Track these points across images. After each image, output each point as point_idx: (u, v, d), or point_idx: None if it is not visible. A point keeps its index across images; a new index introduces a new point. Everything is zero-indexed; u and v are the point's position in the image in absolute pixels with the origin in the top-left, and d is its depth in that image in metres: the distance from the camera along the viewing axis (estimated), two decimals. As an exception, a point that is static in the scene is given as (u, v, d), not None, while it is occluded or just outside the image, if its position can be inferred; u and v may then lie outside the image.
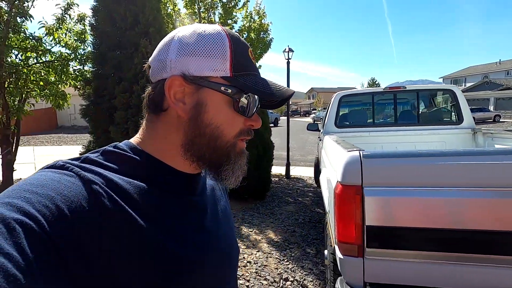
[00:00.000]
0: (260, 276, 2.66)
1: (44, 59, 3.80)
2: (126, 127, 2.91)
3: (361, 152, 1.34)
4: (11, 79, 3.52)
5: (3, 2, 3.31)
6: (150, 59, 0.50)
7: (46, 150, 10.82)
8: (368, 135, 3.61)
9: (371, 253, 1.30)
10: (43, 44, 3.69)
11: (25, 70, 3.59)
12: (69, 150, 10.84)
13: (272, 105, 0.55)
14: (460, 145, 3.42)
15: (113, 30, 3.32)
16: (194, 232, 0.47)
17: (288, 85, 6.68)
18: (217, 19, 6.34)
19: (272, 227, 3.74)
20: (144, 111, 0.50)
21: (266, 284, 2.54)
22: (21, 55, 3.65)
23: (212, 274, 0.48)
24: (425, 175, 1.29)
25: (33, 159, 6.96)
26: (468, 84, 36.43)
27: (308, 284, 2.54)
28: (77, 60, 3.94)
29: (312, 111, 49.42)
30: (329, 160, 2.08)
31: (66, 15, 3.72)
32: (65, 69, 3.84)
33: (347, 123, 3.93)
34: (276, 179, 6.28)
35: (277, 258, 2.98)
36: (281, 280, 2.59)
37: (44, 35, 3.66)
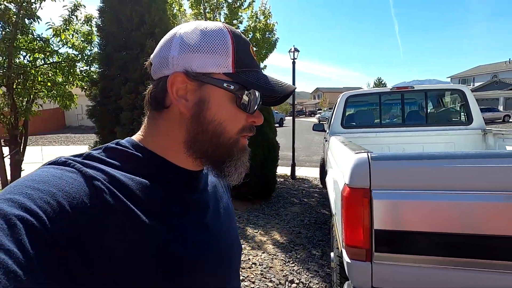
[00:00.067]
0: (265, 278, 2.64)
1: (51, 60, 3.83)
2: (131, 127, 2.92)
3: (369, 154, 1.31)
4: (19, 80, 3.55)
5: (12, 3, 3.35)
6: (151, 56, 0.49)
7: (54, 150, 10.96)
8: (375, 136, 3.57)
9: (380, 258, 1.27)
10: (51, 45, 3.72)
11: (33, 71, 3.63)
12: (77, 150, 10.97)
13: (273, 101, 0.55)
14: (469, 146, 3.35)
15: (119, 31, 3.34)
16: (195, 230, 0.47)
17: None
18: (222, 20, 6.34)
19: (277, 228, 3.72)
20: (146, 108, 0.49)
21: (272, 286, 2.52)
22: (29, 56, 3.68)
23: (213, 273, 0.48)
24: (435, 178, 1.26)
25: (41, 158, 7.05)
26: (476, 84, 35.89)
27: (313, 286, 2.52)
28: (84, 61, 3.97)
29: (318, 111, 49.25)
30: (335, 162, 2.05)
31: (73, 16, 3.74)
32: (72, 70, 3.87)
33: (354, 123, 3.89)
34: (282, 179, 6.26)
35: (282, 259, 2.96)
36: (287, 282, 2.57)
37: (51, 36, 3.69)
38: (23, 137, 3.84)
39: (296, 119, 7.15)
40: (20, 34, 3.47)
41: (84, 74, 4.07)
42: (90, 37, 3.94)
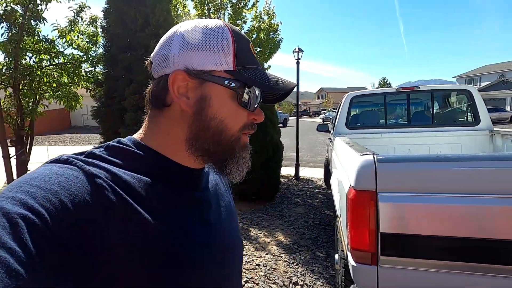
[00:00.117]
0: (269, 279, 2.63)
1: (57, 61, 3.87)
2: (136, 128, 2.90)
3: (375, 156, 1.29)
4: (25, 81, 3.59)
5: (18, 5, 3.38)
6: (151, 54, 0.49)
7: (59, 150, 11.06)
8: (380, 136, 3.53)
9: (386, 261, 1.25)
10: (56, 46, 3.76)
11: (39, 72, 3.67)
12: (82, 149, 11.02)
13: (274, 99, 0.55)
14: (477, 147, 3.30)
15: (124, 32, 3.35)
16: (197, 228, 0.47)
17: (297, 86, 6.62)
18: (226, 20, 6.34)
19: (281, 229, 3.70)
20: (146, 107, 0.49)
21: (275, 288, 2.51)
22: (35, 57, 3.72)
23: (215, 270, 0.48)
24: (443, 180, 1.24)
25: (47, 158, 7.06)
26: (483, 84, 35.44)
27: (318, 288, 2.50)
28: (89, 62, 4.00)
29: (322, 111, 49.09)
30: (340, 163, 2.03)
31: (78, 17, 3.77)
32: (77, 71, 3.90)
33: (358, 124, 3.86)
34: (285, 180, 6.24)
35: (286, 261, 2.94)
36: (291, 284, 2.56)
37: (57, 37, 3.73)
38: (29, 138, 3.87)
39: (300, 119, 7.11)
40: (26, 35, 3.50)
41: (89, 75, 4.10)
42: (95, 38, 3.97)
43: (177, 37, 0.46)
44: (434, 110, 3.83)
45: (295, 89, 0.67)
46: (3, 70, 3.58)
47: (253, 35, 6.47)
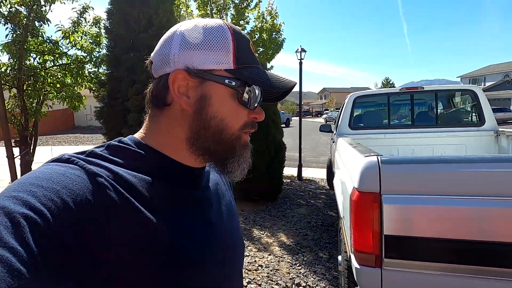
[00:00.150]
0: (271, 280, 2.62)
1: (60, 62, 3.88)
2: (138, 129, 2.91)
3: (379, 157, 1.28)
4: (29, 82, 3.61)
5: (22, 6, 3.40)
6: (152, 54, 0.50)
7: (63, 150, 11.13)
8: (383, 137, 3.51)
9: (390, 264, 1.24)
10: (60, 47, 3.77)
11: (43, 73, 3.68)
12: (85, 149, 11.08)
13: (274, 97, 0.55)
14: (481, 148, 3.27)
15: (127, 32, 3.36)
16: (198, 226, 0.47)
17: (300, 86, 6.61)
18: (229, 20, 6.34)
19: (284, 230, 3.70)
20: (147, 106, 0.50)
21: (278, 289, 2.50)
22: (39, 58, 3.74)
23: (216, 269, 0.48)
24: (447, 182, 1.22)
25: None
26: (487, 83, 35.15)
27: (321, 290, 2.49)
28: (92, 63, 4.01)
29: (324, 112, 48.98)
30: (343, 164, 2.02)
31: (81, 18, 3.78)
32: (80, 72, 3.92)
33: (362, 124, 3.84)
34: (288, 180, 6.22)
35: (289, 262, 2.93)
36: (293, 285, 2.55)
37: (60, 38, 3.74)
38: (33, 138, 3.89)
39: (302, 119, 7.09)
40: (30, 36, 3.52)
41: (92, 76, 4.11)
42: (98, 39, 3.98)
43: (177, 36, 0.46)
44: (438, 111, 3.80)
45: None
46: (8, 71, 3.60)
47: (255, 36, 6.47)
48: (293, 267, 2.85)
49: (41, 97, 3.82)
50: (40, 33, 3.61)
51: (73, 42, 3.79)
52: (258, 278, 2.64)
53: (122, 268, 0.36)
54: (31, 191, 0.33)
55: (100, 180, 0.38)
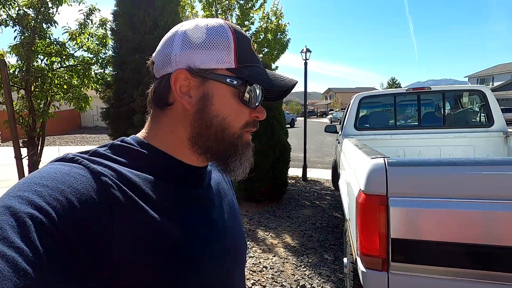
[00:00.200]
0: (276, 282, 2.61)
1: (67, 63, 3.92)
2: (144, 130, 2.93)
3: (386, 159, 1.26)
4: (37, 83, 3.65)
5: (30, 9, 3.45)
6: (153, 54, 0.50)
7: (70, 150, 11.24)
8: (390, 138, 3.47)
9: (397, 268, 1.22)
10: (67, 49, 3.81)
11: (50, 74, 3.73)
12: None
13: (275, 96, 0.55)
14: (490, 150, 3.22)
15: (133, 34, 3.38)
16: (200, 225, 0.47)
17: (305, 87, 6.58)
18: (234, 21, 6.35)
19: (289, 231, 3.68)
20: (149, 106, 0.50)
21: (283, 291, 2.49)
22: (46, 60, 3.78)
23: (219, 267, 0.48)
24: (456, 185, 1.20)
25: (57, 159, 7.21)
26: (496, 83, 34.60)
27: (326, 292, 2.46)
28: (99, 64, 4.05)
29: (330, 112, 48.75)
30: (349, 165, 2.00)
31: (88, 20, 3.82)
32: (87, 73, 3.96)
33: (367, 125, 3.80)
34: (293, 181, 6.20)
35: (294, 263, 2.92)
36: (298, 287, 2.53)
37: (67, 40, 3.78)
38: (41, 138, 3.94)
39: (307, 119, 7.06)
40: (38, 38, 3.56)
41: (98, 77, 4.15)
42: (104, 40, 4.02)
43: (178, 36, 0.46)
44: (446, 111, 3.75)
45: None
46: (16, 73, 3.65)
47: (260, 36, 6.46)
48: (298, 268, 2.83)
49: (48, 98, 3.87)
50: (48, 35, 3.66)
51: (79, 44, 3.83)
52: (263, 280, 2.63)
53: (125, 267, 0.36)
54: (36, 190, 0.33)
55: (104, 179, 0.38)
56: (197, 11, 6.48)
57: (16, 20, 3.41)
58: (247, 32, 6.47)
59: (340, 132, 4.17)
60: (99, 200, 0.36)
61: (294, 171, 6.77)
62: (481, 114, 3.56)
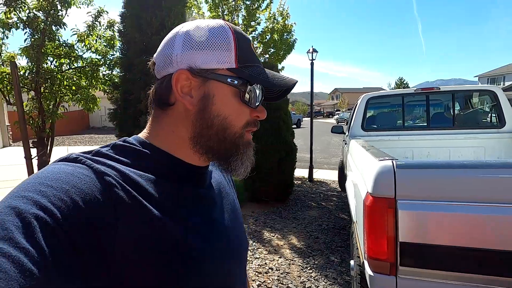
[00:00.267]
0: (282, 284, 2.59)
1: (76, 65, 3.98)
2: (151, 130, 2.95)
3: (394, 161, 1.24)
4: (46, 85, 3.72)
5: (40, 11, 3.51)
6: (154, 55, 0.50)
7: (79, 150, 11.39)
8: (398, 139, 3.43)
9: (405, 272, 1.20)
10: (75, 51, 3.87)
11: (59, 76, 3.78)
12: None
13: (275, 96, 0.55)
14: (502, 151, 3.14)
15: (140, 35, 3.40)
16: (202, 224, 0.47)
17: (312, 87, 6.55)
18: (240, 21, 6.35)
19: (295, 233, 3.66)
20: (150, 107, 0.51)
21: (289, 293, 2.47)
22: (56, 62, 3.84)
23: (221, 265, 0.48)
24: (466, 188, 1.17)
25: (66, 159, 7.32)
26: (507, 83, 33.89)
27: (332, 295, 2.44)
28: (106, 65, 4.10)
29: (336, 112, 48.44)
30: (356, 167, 1.98)
31: (96, 22, 3.87)
32: (95, 74, 4.01)
33: (375, 126, 3.75)
34: (299, 182, 6.17)
35: (299, 265, 2.90)
36: (304, 289, 2.51)
37: (76, 42, 3.84)
38: (50, 139, 4.00)
39: (313, 120, 7.02)
40: (48, 40, 3.62)
41: (106, 78, 4.20)
42: (112, 42, 4.06)
43: (179, 37, 0.46)
44: (455, 111, 3.68)
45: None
46: (26, 74, 3.72)
47: (267, 36, 6.45)
48: (304, 270, 2.81)
49: (58, 99, 3.93)
50: (57, 37, 3.71)
51: (88, 45, 3.89)
52: (269, 281, 2.62)
53: (128, 266, 0.36)
54: (41, 191, 0.34)
55: (108, 179, 0.38)
56: (203, 12, 6.50)
57: (27, 23, 3.47)
58: (253, 32, 6.47)
59: (347, 133, 4.13)
60: (103, 200, 0.37)
61: (300, 172, 6.74)
62: (492, 115, 3.48)
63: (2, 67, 3.68)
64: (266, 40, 6.45)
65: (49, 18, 3.52)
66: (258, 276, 2.70)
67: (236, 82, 0.46)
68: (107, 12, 3.96)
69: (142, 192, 0.41)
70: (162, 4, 3.38)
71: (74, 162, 0.40)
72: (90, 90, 4.16)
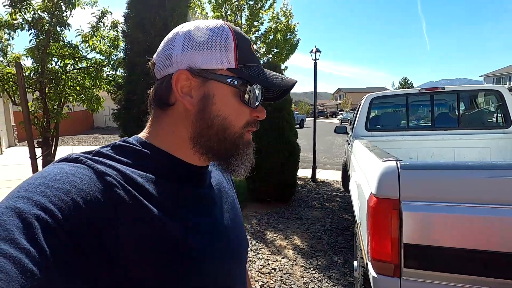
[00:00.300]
0: (285, 284, 2.58)
1: (80, 65, 4.01)
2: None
3: (398, 162, 1.23)
4: (51, 85, 3.75)
5: (45, 12, 3.54)
6: (154, 56, 0.50)
7: (83, 150, 11.48)
8: (402, 139, 3.40)
9: (409, 274, 1.19)
10: (80, 51, 3.90)
11: (64, 76, 3.82)
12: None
13: (274, 96, 0.55)
14: (508, 152, 3.11)
15: (143, 36, 3.42)
16: (203, 224, 0.47)
17: (315, 87, 6.53)
18: (243, 22, 6.35)
19: (298, 233, 3.65)
20: (150, 107, 0.51)
21: (292, 294, 2.46)
22: (60, 62, 3.88)
23: (221, 266, 0.48)
24: (473, 190, 1.15)
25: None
26: (513, 82, 33.53)
27: (336, 296, 2.43)
28: (110, 66, 4.12)
29: (339, 112, 48.29)
30: (360, 167, 1.97)
31: (100, 23, 3.90)
32: (99, 75, 4.04)
33: (379, 126, 3.73)
34: (302, 182, 6.15)
35: (303, 266, 2.89)
36: (307, 290, 2.50)
37: (80, 42, 3.87)
38: (54, 139, 4.04)
39: (316, 120, 6.99)
40: (52, 41, 3.65)
41: (110, 79, 4.23)
42: (116, 43, 4.09)
43: (179, 37, 0.46)
44: (460, 112, 3.64)
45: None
46: (31, 75, 3.75)
47: (270, 36, 6.45)
48: (307, 271, 2.80)
49: (62, 100, 3.97)
50: (61, 37, 3.75)
51: (92, 46, 3.91)
52: (272, 282, 2.62)
53: (128, 266, 0.36)
54: (42, 191, 0.34)
55: (108, 179, 0.38)
56: (206, 13, 6.51)
57: (32, 24, 3.50)
58: (257, 32, 6.47)
59: (350, 133, 4.11)
60: (104, 200, 0.37)
61: (303, 172, 6.72)
62: (498, 115, 3.44)
63: (8, 67, 3.72)
64: (269, 40, 6.44)
65: (53, 19, 3.55)
66: (261, 277, 2.70)
67: (236, 82, 0.46)
68: (111, 13, 3.99)
69: (143, 192, 0.41)
70: (165, 5, 3.39)
71: (75, 162, 0.40)
72: (94, 90, 4.19)
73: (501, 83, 34.05)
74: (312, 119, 7.24)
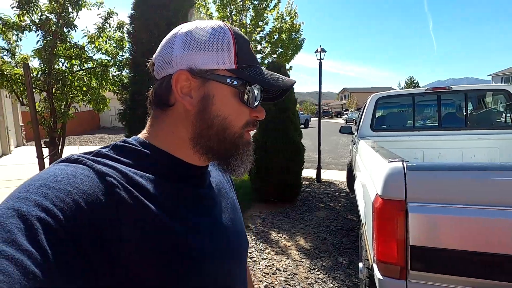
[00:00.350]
0: (289, 285, 2.58)
1: (86, 66, 4.05)
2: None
3: (404, 163, 1.21)
4: (58, 86, 3.79)
5: (52, 14, 3.58)
6: (153, 56, 0.50)
7: (89, 149, 11.60)
8: (408, 139, 3.36)
9: (416, 276, 1.17)
10: (86, 52, 3.93)
11: (70, 77, 3.85)
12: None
13: (273, 96, 0.55)
14: (516, 152, 3.05)
15: (148, 36, 3.43)
16: (203, 224, 0.47)
17: (320, 87, 6.50)
18: (248, 21, 6.35)
19: (302, 234, 3.63)
20: (150, 107, 0.51)
21: (296, 295, 2.45)
22: (67, 63, 3.92)
23: (221, 266, 0.48)
24: (479, 191, 1.13)
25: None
26: (522, 82, 32.95)
27: (340, 297, 2.41)
28: (116, 66, 4.15)
29: (344, 112, 48.01)
30: (365, 168, 1.95)
31: (106, 23, 3.93)
32: (105, 75, 4.07)
33: (384, 126, 3.69)
34: (307, 182, 6.13)
35: (307, 266, 2.87)
36: (312, 291, 2.49)
37: (86, 43, 3.90)
38: (61, 139, 4.08)
39: (321, 120, 6.96)
40: (59, 42, 3.69)
41: (116, 79, 4.26)
42: (122, 43, 4.11)
43: (179, 38, 0.46)
44: (468, 111, 3.58)
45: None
46: (39, 76, 3.80)
47: (275, 36, 6.43)
48: (311, 272, 2.79)
49: (69, 100, 4.00)
50: (68, 38, 3.78)
51: (98, 47, 3.94)
52: (276, 282, 2.61)
53: (130, 267, 0.37)
54: (43, 192, 0.34)
55: (109, 180, 0.38)
56: (211, 13, 6.52)
57: (39, 25, 3.54)
58: (261, 32, 6.46)
59: (355, 133, 4.08)
60: (105, 200, 0.37)
61: (308, 172, 6.70)
62: (507, 115, 3.38)
63: (16, 68, 3.77)
64: (274, 40, 6.43)
65: (60, 20, 3.59)
66: (265, 277, 2.69)
67: (235, 82, 0.46)
68: (117, 14, 4.01)
69: (143, 192, 0.41)
70: (169, 5, 3.40)
71: (75, 163, 0.40)
72: (100, 90, 4.22)
73: (510, 83, 33.52)
74: (317, 119, 7.20)
